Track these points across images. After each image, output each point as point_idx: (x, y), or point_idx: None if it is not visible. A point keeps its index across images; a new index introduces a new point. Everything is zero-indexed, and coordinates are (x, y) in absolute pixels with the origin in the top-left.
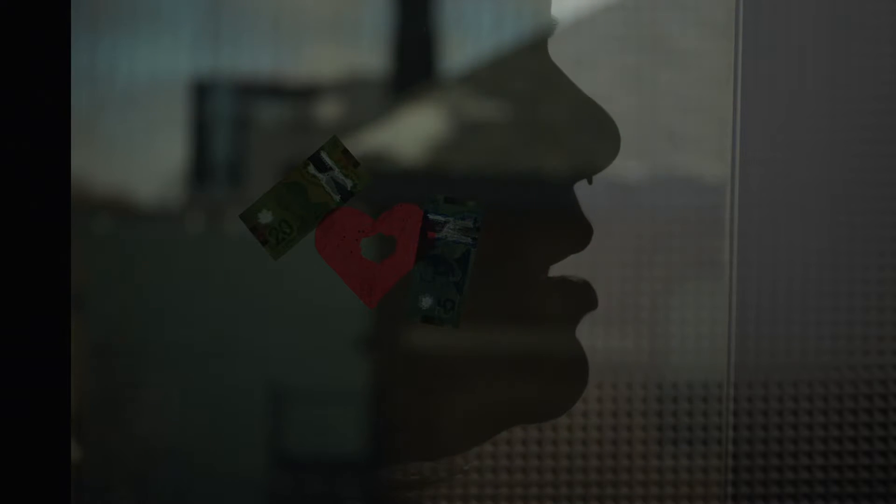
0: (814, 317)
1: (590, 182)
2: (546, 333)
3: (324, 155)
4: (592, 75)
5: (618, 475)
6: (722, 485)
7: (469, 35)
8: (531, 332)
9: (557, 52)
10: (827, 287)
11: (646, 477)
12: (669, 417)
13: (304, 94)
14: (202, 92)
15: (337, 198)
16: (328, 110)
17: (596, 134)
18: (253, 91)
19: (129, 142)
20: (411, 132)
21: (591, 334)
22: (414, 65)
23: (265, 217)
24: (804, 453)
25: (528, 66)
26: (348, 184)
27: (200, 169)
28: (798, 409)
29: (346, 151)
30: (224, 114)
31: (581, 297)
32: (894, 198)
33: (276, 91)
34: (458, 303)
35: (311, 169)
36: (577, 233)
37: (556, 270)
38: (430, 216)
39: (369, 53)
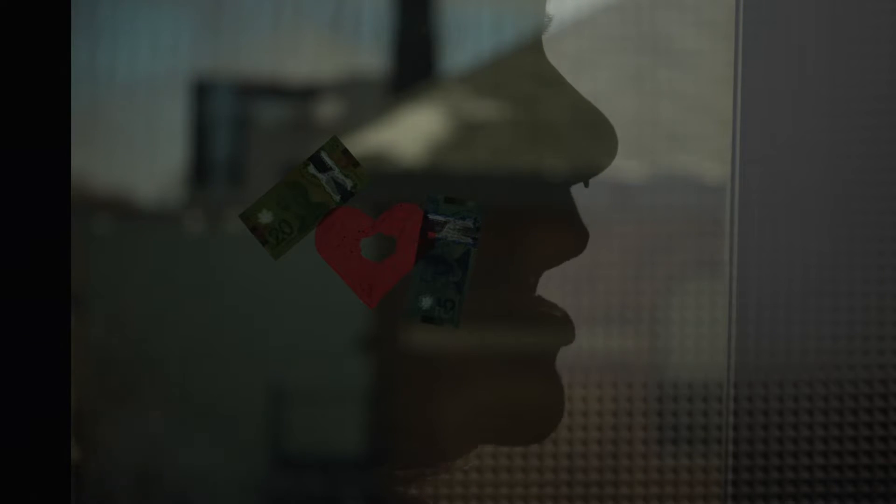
0: (814, 317)
1: (586, 185)
2: (525, 364)
3: (324, 155)
4: (592, 75)
5: (618, 475)
6: (722, 485)
7: (469, 35)
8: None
9: (557, 52)
10: (827, 287)
11: (646, 477)
12: (669, 417)
13: (304, 94)
14: (202, 92)
15: (337, 198)
16: (328, 110)
17: (593, 136)
18: (253, 91)
19: (129, 142)
20: (411, 132)
21: (591, 334)
22: (414, 65)
23: (265, 217)
24: (804, 453)
25: (526, 66)
26: (348, 184)
27: (200, 169)
28: (798, 409)
29: (346, 151)
30: (224, 114)
31: (559, 332)
32: (895, 198)
33: (276, 91)
34: (458, 303)
35: (311, 169)
36: (573, 238)
37: (551, 275)
38: (430, 216)
39: (369, 53)
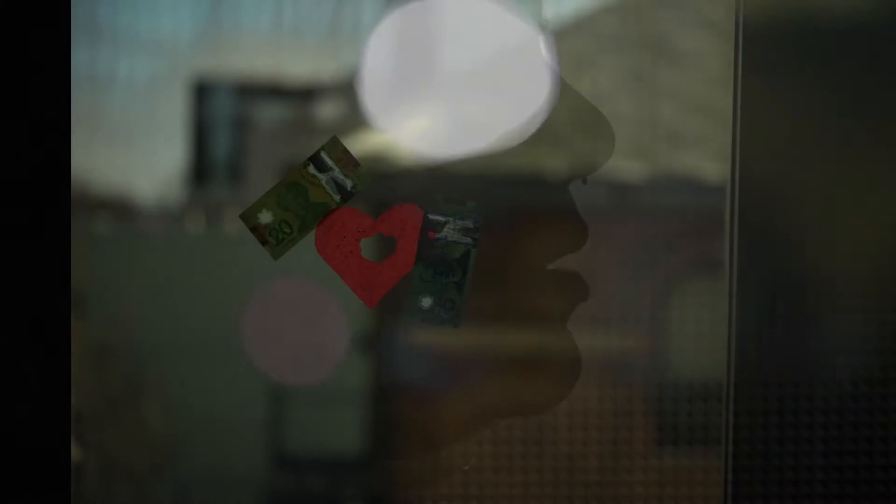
0: (814, 316)
1: (584, 182)
2: (539, 329)
3: (324, 155)
4: (592, 75)
5: (618, 475)
6: (722, 485)
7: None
8: (525, 329)
9: (557, 52)
10: (827, 287)
11: (646, 477)
12: (669, 417)
13: (304, 94)
14: (202, 92)
15: (337, 198)
16: (328, 110)
17: (592, 134)
18: (253, 91)
19: (130, 142)
20: (411, 132)
21: (591, 334)
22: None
23: (265, 217)
24: (804, 453)
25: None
26: (348, 184)
27: (200, 169)
28: (798, 409)
29: (346, 151)
30: (224, 114)
31: (572, 290)
32: (894, 197)
33: (276, 91)
34: (458, 303)
35: (311, 169)
36: (574, 233)
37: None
38: (430, 216)
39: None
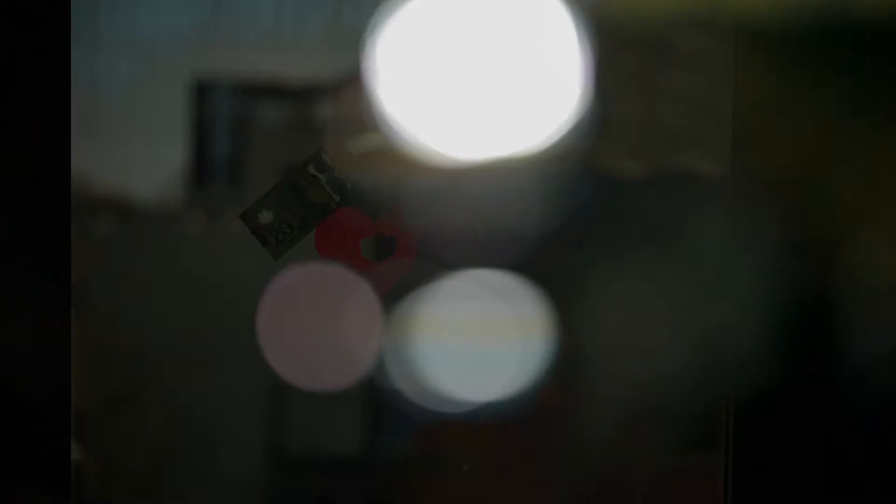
0: (814, 317)
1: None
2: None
3: (324, 155)
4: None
5: (618, 475)
6: (722, 485)
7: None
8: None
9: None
10: (827, 286)
11: (646, 477)
12: (670, 418)
13: (304, 94)
14: (202, 92)
15: (337, 197)
16: (328, 110)
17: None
18: (253, 91)
19: (129, 142)
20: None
21: (591, 334)
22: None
23: (265, 217)
24: (804, 454)
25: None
26: (348, 184)
27: (200, 169)
28: (798, 410)
29: (346, 152)
30: (224, 114)
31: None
32: (894, 197)
33: (276, 91)
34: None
35: (311, 169)
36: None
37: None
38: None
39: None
